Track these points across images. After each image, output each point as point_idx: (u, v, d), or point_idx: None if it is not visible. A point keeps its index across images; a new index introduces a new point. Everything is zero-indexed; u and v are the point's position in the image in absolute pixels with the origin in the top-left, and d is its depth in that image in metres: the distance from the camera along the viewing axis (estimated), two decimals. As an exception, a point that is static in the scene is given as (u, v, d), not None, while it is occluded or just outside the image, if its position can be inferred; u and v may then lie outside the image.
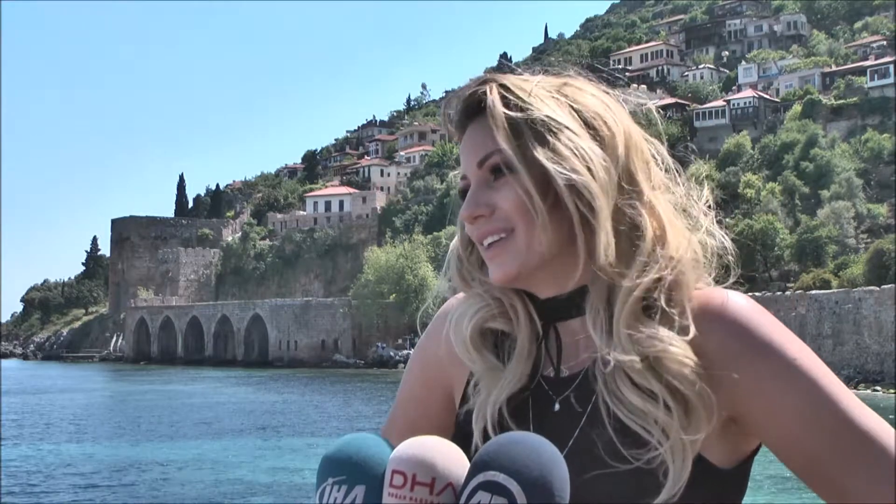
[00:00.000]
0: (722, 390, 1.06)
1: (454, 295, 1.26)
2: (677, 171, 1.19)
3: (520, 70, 1.21)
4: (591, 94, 1.17)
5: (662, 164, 1.18)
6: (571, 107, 1.15)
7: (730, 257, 1.17)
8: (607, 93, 1.19)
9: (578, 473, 1.04)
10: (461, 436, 1.16)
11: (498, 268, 1.14)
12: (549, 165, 1.09)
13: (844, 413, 1.04)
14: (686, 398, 1.05)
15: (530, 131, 1.12)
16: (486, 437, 1.10)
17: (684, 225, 1.16)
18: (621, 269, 1.10)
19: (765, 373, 1.06)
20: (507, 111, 1.13)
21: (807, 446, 1.05)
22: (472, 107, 1.17)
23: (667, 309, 1.09)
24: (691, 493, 1.04)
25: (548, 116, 1.12)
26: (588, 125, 1.14)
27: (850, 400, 1.05)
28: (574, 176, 1.09)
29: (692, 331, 1.07)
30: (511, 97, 1.14)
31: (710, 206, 1.19)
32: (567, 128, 1.12)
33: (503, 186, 1.12)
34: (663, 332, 1.08)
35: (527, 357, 1.17)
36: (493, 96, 1.14)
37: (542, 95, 1.14)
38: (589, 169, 1.10)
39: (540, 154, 1.10)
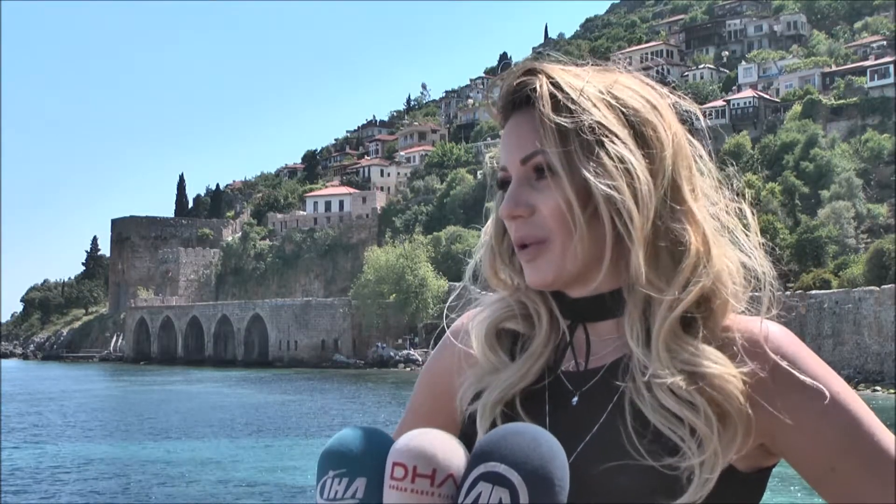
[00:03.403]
0: (758, 417, 1.05)
1: (475, 283, 1.24)
2: (720, 181, 1.15)
3: (564, 59, 1.15)
4: (643, 97, 1.12)
5: (705, 169, 1.14)
6: (622, 111, 1.09)
7: (770, 284, 1.11)
8: (654, 89, 1.14)
9: (596, 465, 1.04)
10: (469, 432, 1.15)
11: (534, 272, 1.11)
12: (590, 177, 1.06)
13: (881, 446, 1.04)
14: (727, 414, 1.03)
15: (578, 137, 1.07)
16: None
17: (725, 240, 1.11)
18: (661, 285, 1.07)
19: (809, 406, 1.05)
20: (555, 113, 1.08)
21: (842, 477, 1.05)
22: (518, 96, 1.12)
23: (707, 328, 1.07)
24: (711, 496, 1.02)
25: (598, 123, 1.07)
26: (638, 133, 1.09)
27: (885, 433, 1.06)
28: (613, 193, 1.05)
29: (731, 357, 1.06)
30: (561, 95, 1.08)
31: (747, 224, 1.14)
32: (616, 136, 1.07)
33: (545, 189, 1.09)
34: (707, 349, 1.06)
35: (537, 357, 1.15)
36: (543, 93, 1.09)
37: (593, 97, 1.09)
38: (631, 185, 1.06)
39: (583, 163, 1.06)
